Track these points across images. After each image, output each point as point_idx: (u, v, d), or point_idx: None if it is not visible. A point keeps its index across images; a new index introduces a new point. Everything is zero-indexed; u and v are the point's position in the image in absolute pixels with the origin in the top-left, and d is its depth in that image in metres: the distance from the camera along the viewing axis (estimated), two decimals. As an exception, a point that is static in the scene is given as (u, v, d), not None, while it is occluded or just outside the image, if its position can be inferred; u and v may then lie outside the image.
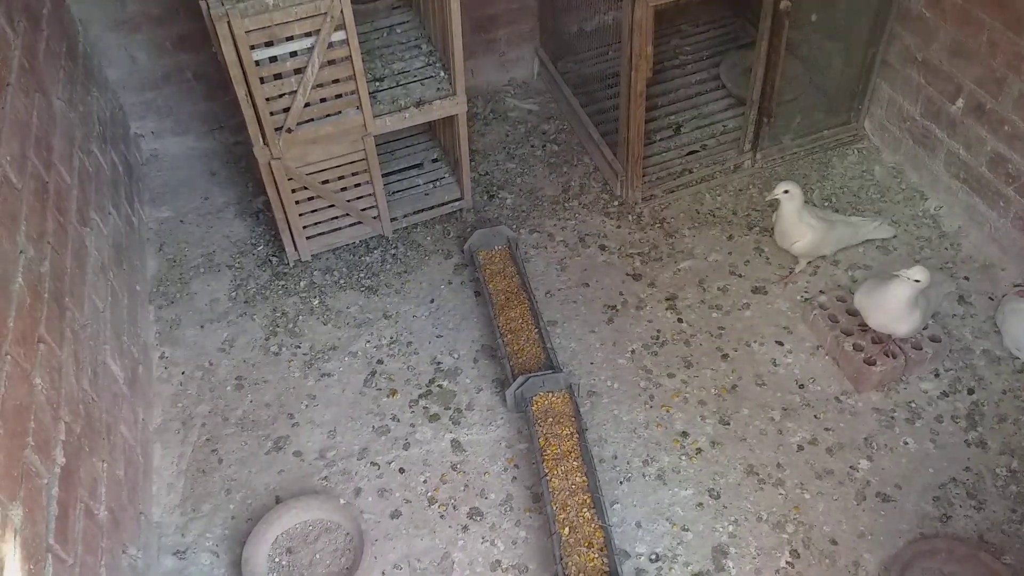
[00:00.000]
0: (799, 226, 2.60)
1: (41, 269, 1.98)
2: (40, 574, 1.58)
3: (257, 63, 2.34)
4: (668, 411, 2.51)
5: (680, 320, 2.75)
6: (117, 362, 2.33)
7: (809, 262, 2.78)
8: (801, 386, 2.56)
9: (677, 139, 3.22)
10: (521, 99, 3.56)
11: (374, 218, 2.93)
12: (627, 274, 2.89)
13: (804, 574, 2.18)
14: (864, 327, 2.55)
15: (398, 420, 2.53)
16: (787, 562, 2.20)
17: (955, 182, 2.92)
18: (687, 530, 2.26)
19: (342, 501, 2.30)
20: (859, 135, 3.26)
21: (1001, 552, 2.18)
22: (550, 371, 2.47)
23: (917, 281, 2.26)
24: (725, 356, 2.64)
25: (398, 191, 3.06)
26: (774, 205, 2.71)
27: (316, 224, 2.88)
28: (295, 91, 2.44)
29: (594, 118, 3.25)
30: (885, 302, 2.34)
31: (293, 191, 2.71)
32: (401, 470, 2.42)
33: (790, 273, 2.80)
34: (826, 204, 3.04)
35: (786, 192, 2.57)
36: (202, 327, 2.79)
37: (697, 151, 3.18)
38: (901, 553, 2.16)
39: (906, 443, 2.41)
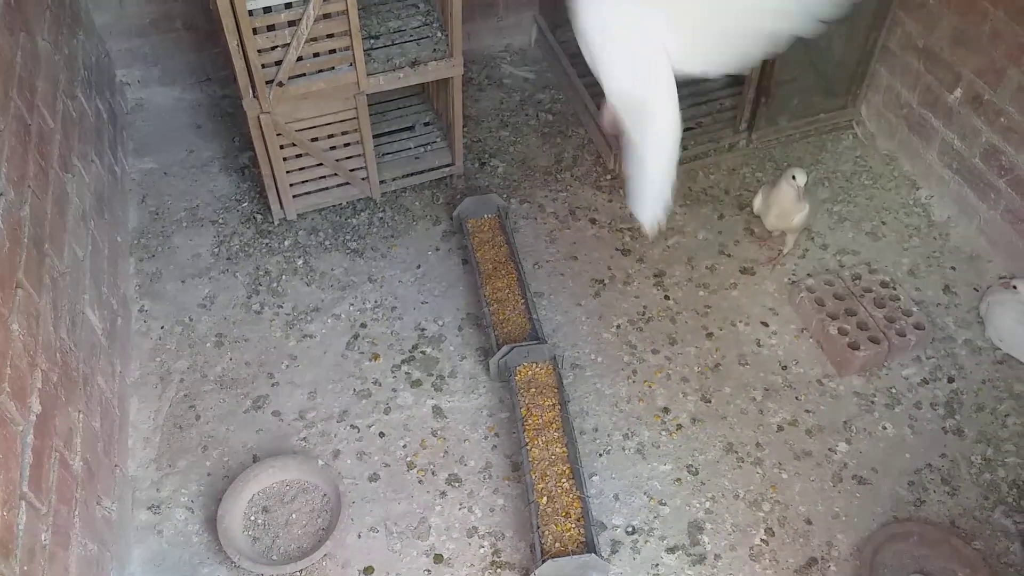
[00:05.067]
0: (799, 203, 2.60)
1: (21, 213, 1.93)
2: (13, 521, 1.56)
3: (250, 13, 2.28)
4: (651, 387, 2.52)
5: (667, 297, 2.74)
6: (96, 313, 2.29)
7: (796, 242, 2.78)
8: (784, 367, 2.56)
9: (673, 115, 3.19)
10: (517, 66, 3.51)
11: (363, 179, 2.89)
12: (616, 249, 2.87)
13: (778, 552, 2.20)
14: (850, 312, 2.56)
15: (380, 384, 2.52)
16: (761, 539, 2.22)
17: (947, 172, 2.92)
18: (664, 504, 2.28)
19: (320, 462, 2.29)
20: (855, 120, 3.25)
21: (972, 537, 2.21)
22: (535, 342, 2.45)
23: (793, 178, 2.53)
24: (710, 335, 2.64)
25: (388, 153, 3.01)
26: (766, 189, 2.69)
27: (303, 183, 2.83)
28: (288, 44, 2.38)
29: (590, 89, 3.21)
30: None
31: (281, 147, 2.66)
32: (381, 434, 2.41)
33: (778, 254, 2.80)
34: (818, 188, 3.03)
35: (794, 179, 2.56)
36: (183, 282, 2.75)
37: (692, 128, 3.15)
38: (874, 535, 2.19)
39: (884, 428, 2.43)
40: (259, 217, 2.93)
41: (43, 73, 2.29)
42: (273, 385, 2.51)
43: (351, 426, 2.42)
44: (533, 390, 2.38)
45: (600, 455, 2.37)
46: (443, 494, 2.29)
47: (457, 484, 2.31)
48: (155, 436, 2.39)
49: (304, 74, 2.49)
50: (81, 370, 2.09)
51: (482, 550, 2.20)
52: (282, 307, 2.69)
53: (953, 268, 2.81)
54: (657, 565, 2.17)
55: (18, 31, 2.17)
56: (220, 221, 2.92)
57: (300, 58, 2.43)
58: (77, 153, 2.43)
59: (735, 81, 3.26)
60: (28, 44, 2.23)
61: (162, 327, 2.63)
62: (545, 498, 2.17)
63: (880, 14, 2.93)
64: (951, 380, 2.53)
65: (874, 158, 3.16)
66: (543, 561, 2.04)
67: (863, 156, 3.17)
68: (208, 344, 2.60)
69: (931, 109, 2.92)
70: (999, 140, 2.68)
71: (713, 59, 1.46)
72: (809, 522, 2.25)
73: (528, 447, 2.26)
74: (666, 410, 2.47)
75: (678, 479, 2.33)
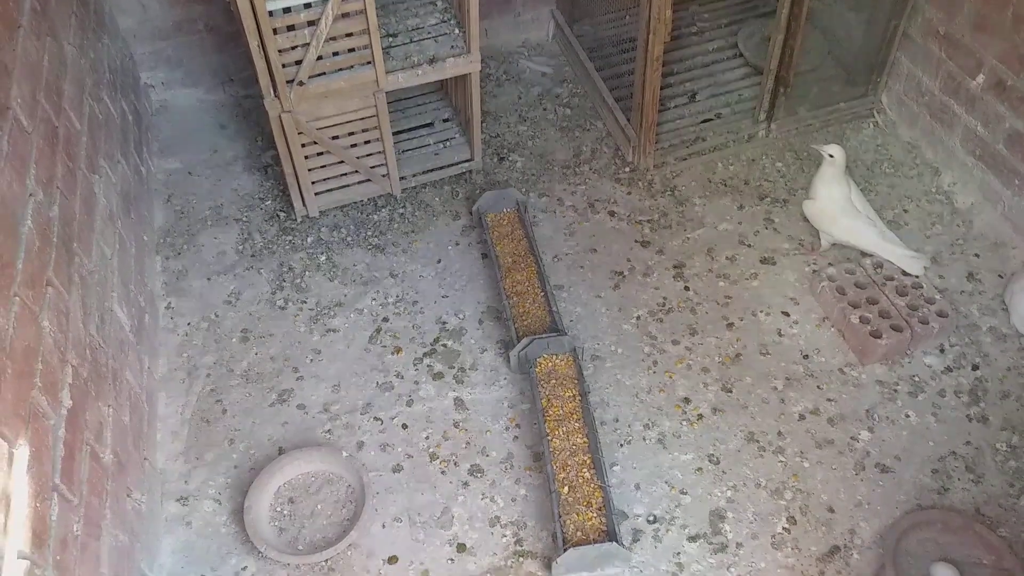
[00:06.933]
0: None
1: (50, 213, 1.98)
2: (46, 512, 1.60)
3: (271, 14, 2.32)
4: (671, 377, 2.52)
5: (687, 288, 2.74)
6: (124, 310, 2.34)
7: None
8: (805, 356, 2.56)
9: (692, 107, 3.19)
10: (535, 61, 3.52)
11: (383, 176, 2.92)
12: (635, 241, 2.88)
13: (800, 540, 2.19)
14: (872, 300, 2.54)
15: (402, 377, 2.54)
16: (784, 528, 2.22)
17: (971, 159, 2.89)
18: (685, 493, 2.28)
19: (345, 454, 2.32)
20: (876, 109, 3.22)
21: (997, 525, 2.19)
22: (555, 334, 2.47)
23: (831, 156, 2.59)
24: (730, 325, 2.64)
25: (408, 150, 3.04)
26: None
27: (325, 180, 2.87)
28: (308, 44, 2.42)
29: (608, 83, 3.22)
30: None
31: (303, 146, 2.70)
32: (404, 426, 2.44)
33: (812, 249, 2.78)
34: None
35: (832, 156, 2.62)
36: (209, 279, 2.80)
37: (711, 119, 3.15)
38: (897, 523, 2.17)
39: (908, 416, 2.42)
40: (282, 215, 2.97)
41: (69, 76, 2.34)
42: (298, 379, 2.55)
43: (374, 418, 2.45)
44: (553, 381, 2.40)
45: (621, 445, 2.38)
46: (465, 484, 2.32)
47: (479, 474, 2.33)
48: (183, 430, 2.44)
49: (324, 73, 2.52)
50: (110, 366, 2.14)
51: (504, 539, 2.22)
52: (306, 303, 2.73)
53: (977, 255, 2.78)
54: (679, 554, 2.18)
55: (44, 36, 2.23)
56: (244, 219, 2.97)
57: (320, 57, 2.47)
58: (103, 154, 2.48)
59: (755, 71, 3.25)
60: (55, 48, 2.28)
61: (188, 323, 2.68)
62: (567, 488, 2.19)
63: (900, 1, 2.90)
64: (975, 368, 2.51)
65: (895, 146, 3.13)
66: (565, 550, 2.06)
67: (884, 145, 3.14)
68: (234, 339, 2.64)
69: (953, 96, 2.89)
70: (1023, 126, 2.64)
71: None
72: (831, 510, 2.24)
73: (549, 437, 2.28)
74: (687, 400, 2.47)
75: (699, 468, 2.33)
